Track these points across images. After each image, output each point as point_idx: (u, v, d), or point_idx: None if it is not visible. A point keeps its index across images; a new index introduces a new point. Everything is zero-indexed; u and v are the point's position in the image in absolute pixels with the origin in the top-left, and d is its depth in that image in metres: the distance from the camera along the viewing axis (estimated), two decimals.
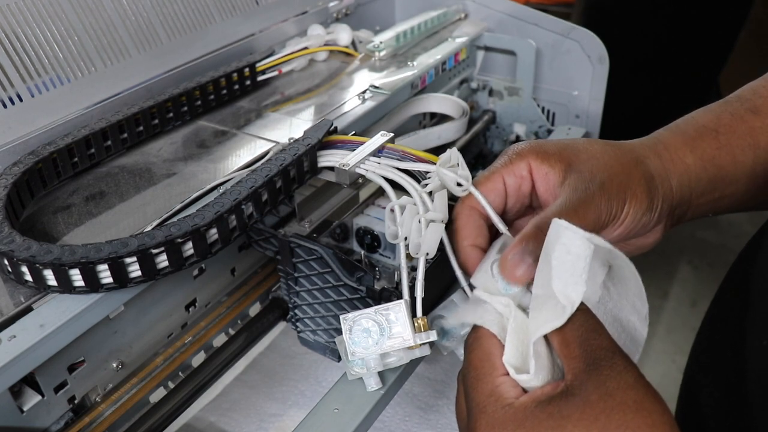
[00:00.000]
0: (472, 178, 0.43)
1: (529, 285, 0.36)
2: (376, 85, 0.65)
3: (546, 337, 0.34)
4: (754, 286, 0.40)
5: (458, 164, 0.44)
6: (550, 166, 0.40)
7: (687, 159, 0.42)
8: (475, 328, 0.37)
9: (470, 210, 0.41)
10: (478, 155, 0.82)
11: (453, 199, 0.43)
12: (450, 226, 0.42)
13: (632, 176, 0.40)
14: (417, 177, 0.47)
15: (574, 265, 0.32)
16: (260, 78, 0.68)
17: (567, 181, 0.39)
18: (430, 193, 0.44)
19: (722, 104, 0.45)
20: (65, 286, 0.39)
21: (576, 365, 0.31)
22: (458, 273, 0.42)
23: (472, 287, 0.40)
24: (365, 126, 0.62)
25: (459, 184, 0.42)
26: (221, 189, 0.48)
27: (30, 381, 0.43)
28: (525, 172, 0.41)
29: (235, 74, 0.65)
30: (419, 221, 0.41)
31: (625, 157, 0.41)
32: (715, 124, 0.43)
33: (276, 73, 0.70)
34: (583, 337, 0.32)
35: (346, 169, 0.48)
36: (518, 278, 0.36)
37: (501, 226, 0.41)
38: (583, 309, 0.33)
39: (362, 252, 0.50)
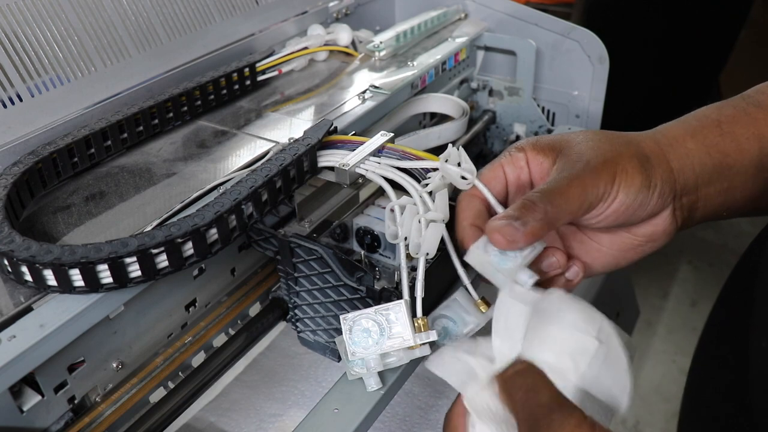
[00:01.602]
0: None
1: (529, 267, 0.38)
2: (376, 85, 0.65)
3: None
4: (758, 288, 0.40)
5: (460, 163, 0.44)
6: (545, 155, 0.43)
7: (688, 144, 0.43)
8: (454, 405, 0.38)
9: (471, 197, 0.43)
10: (479, 155, 0.82)
11: (453, 199, 0.43)
12: (452, 220, 0.43)
13: (622, 154, 0.41)
14: (417, 177, 0.47)
15: (508, 323, 0.36)
16: (260, 78, 0.68)
17: (555, 165, 0.42)
18: (431, 193, 0.44)
19: (724, 102, 0.45)
20: (65, 286, 0.39)
21: (518, 422, 0.33)
22: (460, 270, 0.42)
23: (465, 264, 0.41)
24: (365, 126, 0.62)
25: (463, 178, 0.43)
26: (221, 189, 0.48)
27: (30, 381, 0.42)
28: (523, 163, 0.43)
29: (235, 74, 0.65)
30: (419, 221, 0.41)
31: (618, 140, 0.42)
32: (717, 115, 0.44)
33: (276, 73, 0.70)
34: (522, 398, 0.33)
35: (346, 169, 0.48)
36: (503, 239, 0.37)
37: (500, 209, 0.42)
38: (527, 366, 0.34)
39: (362, 252, 0.50)
